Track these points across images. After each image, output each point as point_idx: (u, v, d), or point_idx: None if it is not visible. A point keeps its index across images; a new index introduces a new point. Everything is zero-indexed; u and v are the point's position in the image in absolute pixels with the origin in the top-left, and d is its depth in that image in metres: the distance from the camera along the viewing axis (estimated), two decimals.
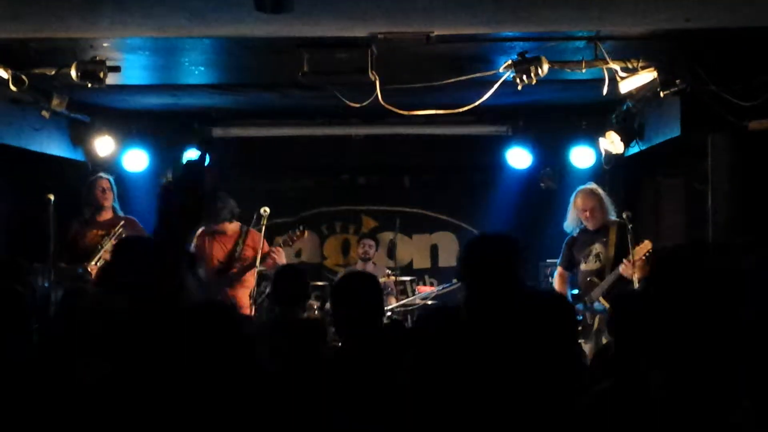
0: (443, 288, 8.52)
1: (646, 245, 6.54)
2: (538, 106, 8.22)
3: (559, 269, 7.25)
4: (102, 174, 7.65)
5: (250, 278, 7.48)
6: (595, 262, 6.89)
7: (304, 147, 9.22)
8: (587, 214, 7.00)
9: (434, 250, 10.09)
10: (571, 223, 7.15)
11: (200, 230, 7.54)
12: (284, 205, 9.04)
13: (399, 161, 9.51)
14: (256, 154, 9.12)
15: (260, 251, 7.30)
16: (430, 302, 8.17)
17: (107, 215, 7.50)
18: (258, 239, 7.41)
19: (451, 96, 6.77)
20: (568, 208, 7.17)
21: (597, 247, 6.88)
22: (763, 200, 6.56)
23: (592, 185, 7.22)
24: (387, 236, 9.58)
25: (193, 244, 7.47)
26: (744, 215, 6.61)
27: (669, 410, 2.63)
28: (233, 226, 7.63)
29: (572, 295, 6.87)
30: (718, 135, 6.75)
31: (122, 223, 7.36)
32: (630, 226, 6.71)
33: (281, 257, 7.47)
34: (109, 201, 7.53)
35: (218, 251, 7.61)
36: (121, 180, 8.94)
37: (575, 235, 7.12)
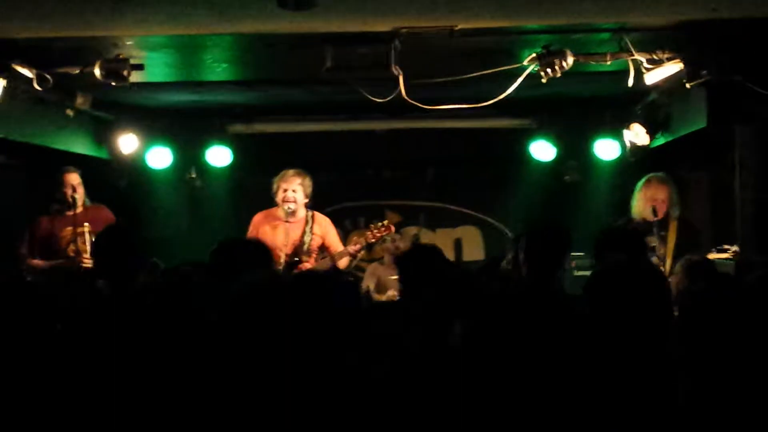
0: None
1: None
2: (563, 99, 8.16)
3: None
4: (69, 168, 7.27)
5: None
6: (651, 258, 6.33)
7: (326, 142, 9.20)
8: (659, 203, 6.64)
9: (458, 244, 10.05)
10: (638, 213, 6.76)
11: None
12: None
13: (422, 155, 9.48)
14: (279, 150, 9.10)
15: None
16: None
17: (78, 210, 7.14)
18: (327, 225, 7.26)
19: (475, 89, 6.71)
20: (633, 196, 6.83)
21: (652, 241, 6.44)
22: None
23: (663, 174, 6.88)
24: (411, 231, 9.54)
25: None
26: None
27: None
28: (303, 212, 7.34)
29: None
30: (746, 126, 6.67)
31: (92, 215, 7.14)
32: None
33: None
34: (81, 197, 7.19)
35: (281, 239, 7.21)
36: (145, 176, 9.01)
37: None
